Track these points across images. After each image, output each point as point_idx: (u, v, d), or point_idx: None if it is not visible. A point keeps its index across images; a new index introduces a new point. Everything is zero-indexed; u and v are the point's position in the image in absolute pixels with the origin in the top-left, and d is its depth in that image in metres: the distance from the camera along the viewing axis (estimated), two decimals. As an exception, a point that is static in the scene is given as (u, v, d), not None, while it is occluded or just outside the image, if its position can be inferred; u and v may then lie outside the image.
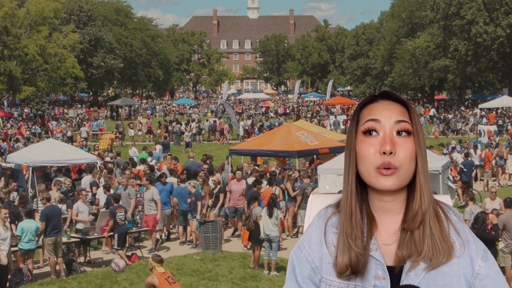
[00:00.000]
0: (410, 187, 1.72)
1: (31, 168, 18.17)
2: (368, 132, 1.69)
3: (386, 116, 1.69)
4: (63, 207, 14.22)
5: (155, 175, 16.96)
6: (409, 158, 1.66)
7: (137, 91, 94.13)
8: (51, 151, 18.18)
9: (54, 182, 16.80)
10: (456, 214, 1.76)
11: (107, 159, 22.80)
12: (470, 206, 13.04)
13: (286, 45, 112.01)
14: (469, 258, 1.68)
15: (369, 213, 1.73)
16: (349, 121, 44.24)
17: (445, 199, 1.85)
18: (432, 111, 48.53)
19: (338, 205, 1.80)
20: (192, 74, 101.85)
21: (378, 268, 1.68)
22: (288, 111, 59.41)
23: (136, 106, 65.39)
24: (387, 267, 1.68)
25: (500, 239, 11.53)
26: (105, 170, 18.65)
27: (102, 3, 79.81)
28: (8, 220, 12.28)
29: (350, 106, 57.50)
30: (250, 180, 15.99)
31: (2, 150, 28.94)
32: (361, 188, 1.75)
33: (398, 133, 1.68)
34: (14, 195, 15.64)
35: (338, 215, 1.77)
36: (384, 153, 1.65)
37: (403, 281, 1.66)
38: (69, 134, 36.83)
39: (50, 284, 12.07)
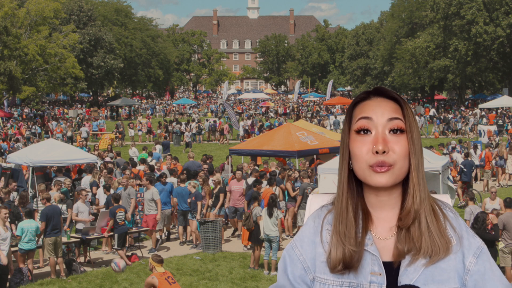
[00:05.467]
0: (405, 182, 1.72)
1: (31, 168, 18.17)
2: (361, 130, 1.69)
3: (379, 113, 1.68)
4: (63, 207, 14.22)
5: (155, 175, 16.96)
6: (402, 156, 1.66)
7: (137, 91, 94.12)
8: (51, 151, 18.18)
9: (54, 182, 16.79)
10: (452, 211, 1.77)
11: (107, 159, 22.79)
12: (470, 206, 13.03)
13: (286, 45, 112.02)
14: (461, 254, 1.69)
15: (364, 208, 1.73)
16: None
17: (445, 198, 1.85)
18: (432, 111, 48.53)
19: (333, 204, 1.80)
20: (192, 74, 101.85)
21: (374, 264, 1.68)
22: (288, 111, 59.40)
23: (136, 106, 65.40)
24: (385, 262, 1.68)
25: (500, 239, 11.53)
26: (105, 170, 18.64)
27: (102, 3, 79.81)
28: (8, 220, 12.28)
29: (350, 106, 57.40)
30: (250, 180, 15.99)
31: (2, 150, 28.94)
32: (356, 185, 1.75)
33: (392, 131, 1.67)
34: (14, 195, 15.63)
35: (332, 213, 1.78)
36: (377, 152, 1.65)
37: (402, 276, 1.66)
38: (69, 134, 36.82)
39: (50, 284, 12.07)
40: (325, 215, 1.79)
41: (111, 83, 75.09)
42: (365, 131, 1.68)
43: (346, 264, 1.67)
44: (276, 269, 12.52)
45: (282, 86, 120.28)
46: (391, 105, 1.70)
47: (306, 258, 1.76)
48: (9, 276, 11.56)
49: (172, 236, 16.37)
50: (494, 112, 43.25)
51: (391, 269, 1.68)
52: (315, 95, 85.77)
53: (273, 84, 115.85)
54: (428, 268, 1.65)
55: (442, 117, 43.62)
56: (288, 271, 1.78)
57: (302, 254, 1.77)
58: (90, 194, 16.62)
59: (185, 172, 17.37)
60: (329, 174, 15.52)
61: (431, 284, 1.65)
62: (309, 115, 53.22)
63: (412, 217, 1.67)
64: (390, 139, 1.66)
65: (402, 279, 1.66)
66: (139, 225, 15.19)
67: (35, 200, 15.84)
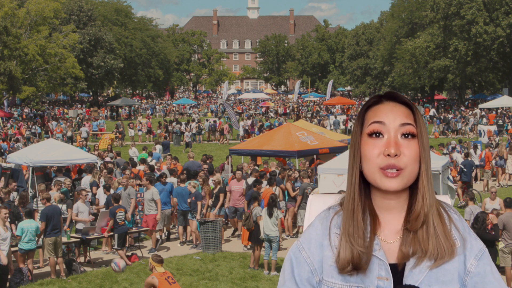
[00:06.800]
0: (412, 186, 1.74)
1: (31, 168, 18.17)
2: (373, 134, 1.71)
3: (391, 118, 1.71)
4: (63, 207, 14.21)
5: (155, 175, 16.96)
6: (413, 160, 1.68)
7: (137, 91, 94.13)
8: (51, 151, 18.17)
9: (54, 182, 16.79)
10: (456, 213, 1.80)
11: (107, 159, 22.79)
12: (470, 206, 13.03)
13: (286, 45, 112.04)
14: (463, 256, 1.72)
15: (372, 211, 1.75)
16: (349, 121, 44.00)
17: (445, 199, 1.87)
18: (432, 111, 48.52)
19: (340, 206, 1.81)
20: (192, 74, 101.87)
21: (382, 268, 1.69)
22: (288, 111, 59.40)
23: (136, 106, 65.39)
24: (390, 264, 1.70)
25: (500, 239, 11.53)
26: (105, 170, 18.64)
27: (102, 3, 79.82)
28: (8, 220, 12.28)
29: (350, 106, 57.47)
30: (250, 180, 15.99)
31: (2, 150, 28.94)
32: (364, 187, 1.76)
33: (403, 135, 1.70)
34: (14, 195, 15.63)
35: (340, 215, 1.78)
36: (388, 155, 1.67)
37: (407, 278, 1.68)
38: (69, 134, 36.83)
39: (50, 284, 12.07)
40: (332, 217, 1.79)
41: (111, 83, 75.10)
42: (377, 134, 1.70)
43: (355, 265, 1.68)
44: (276, 269, 12.53)
45: (282, 86, 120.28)
46: (403, 110, 1.73)
47: (314, 260, 1.76)
48: (9, 276, 11.56)
49: (172, 236, 16.37)
50: (494, 112, 43.24)
51: (396, 271, 1.70)
52: (315, 95, 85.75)
53: (273, 84, 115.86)
54: (432, 270, 1.68)
55: (442, 117, 43.63)
56: (295, 273, 1.78)
57: (309, 257, 1.77)
58: (90, 194, 16.62)
59: (185, 172, 17.37)
60: (329, 174, 15.53)
61: (435, 285, 1.67)
62: (309, 115, 53.20)
63: (421, 220, 1.69)
64: (402, 143, 1.68)
65: (407, 281, 1.68)
66: (139, 225, 15.19)
67: (35, 200, 15.83)
